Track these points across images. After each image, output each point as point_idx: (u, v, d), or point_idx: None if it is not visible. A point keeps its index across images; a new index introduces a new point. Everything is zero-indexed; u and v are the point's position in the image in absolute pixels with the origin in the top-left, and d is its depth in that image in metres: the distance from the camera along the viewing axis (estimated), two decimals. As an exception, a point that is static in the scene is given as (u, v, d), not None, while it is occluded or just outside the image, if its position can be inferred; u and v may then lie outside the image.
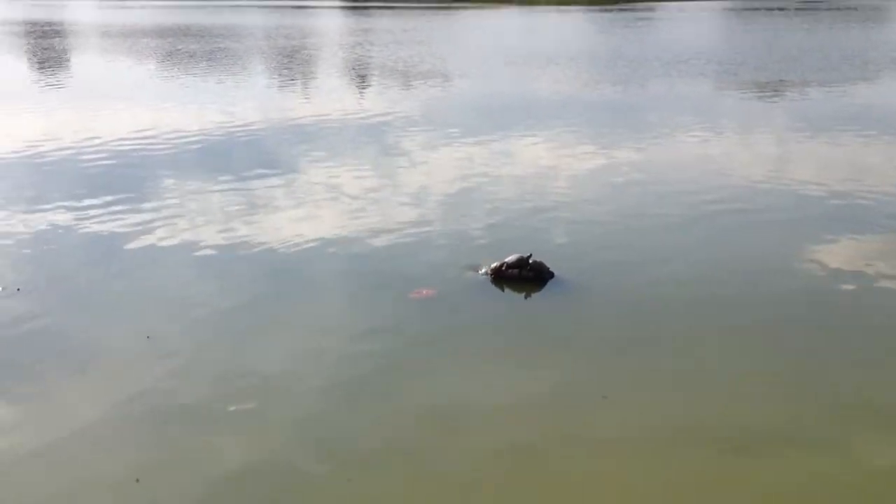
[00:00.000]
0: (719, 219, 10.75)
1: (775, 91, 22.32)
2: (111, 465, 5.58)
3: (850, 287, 8.57)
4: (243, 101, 20.80)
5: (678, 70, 25.85)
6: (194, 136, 16.17)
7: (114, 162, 14.08)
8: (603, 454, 5.76)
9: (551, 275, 8.66)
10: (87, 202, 11.37)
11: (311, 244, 9.70)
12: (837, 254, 9.47)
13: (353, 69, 27.90)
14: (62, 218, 10.72)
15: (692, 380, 6.76)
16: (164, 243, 9.76)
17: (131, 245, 9.69)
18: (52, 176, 13.15)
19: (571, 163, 13.86)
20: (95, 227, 10.32)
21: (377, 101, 21.13)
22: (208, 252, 9.51)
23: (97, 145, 15.26)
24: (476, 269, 8.82)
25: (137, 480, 5.35)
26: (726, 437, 5.98)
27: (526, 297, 8.43)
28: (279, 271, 9.00)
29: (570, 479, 5.48)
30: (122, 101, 20.93)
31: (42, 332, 7.45)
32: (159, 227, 10.35)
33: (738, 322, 7.79)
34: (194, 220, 10.72)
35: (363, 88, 23.91)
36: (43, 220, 10.64)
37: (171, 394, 6.40)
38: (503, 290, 8.50)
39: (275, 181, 12.62)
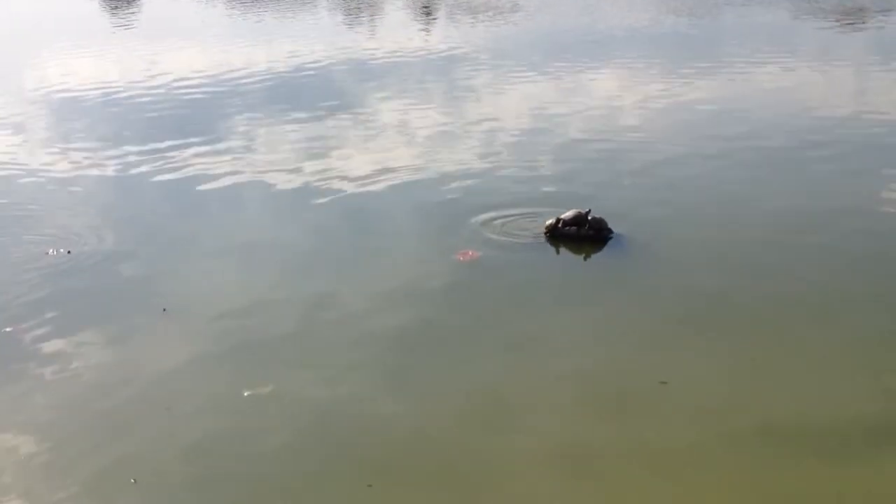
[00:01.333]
0: (798, 159, 9.96)
1: (855, 19, 21.31)
2: (188, 398, 5.61)
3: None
4: (308, 38, 20.27)
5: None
6: (262, 74, 15.86)
7: (184, 102, 13.98)
8: (664, 459, 4.90)
9: (611, 233, 7.83)
10: (158, 142, 11.28)
11: (376, 186, 9.40)
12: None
13: (416, 2, 27.56)
14: (134, 159, 10.63)
15: (770, 362, 5.82)
16: (233, 184, 9.66)
17: (202, 186, 9.62)
18: (124, 116, 13.08)
19: (641, 99, 13.11)
20: (168, 168, 10.24)
21: (442, 36, 20.45)
22: (276, 193, 9.41)
23: (167, 85, 15.12)
24: (536, 223, 7.98)
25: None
26: (815, 436, 5.04)
27: (585, 259, 7.66)
28: (342, 217, 8.72)
29: (624, 492, 4.70)
30: (191, 41, 20.85)
31: (120, 276, 7.39)
32: (229, 167, 10.26)
33: (824, 289, 6.84)
34: (264, 159, 10.63)
35: (427, 23, 23.51)
36: (116, 161, 10.57)
37: (239, 333, 6.39)
38: (558, 252, 7.73)
39: (343, 119, 12.38)
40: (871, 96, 13.48)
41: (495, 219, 8.28)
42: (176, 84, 15.26)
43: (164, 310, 6.71)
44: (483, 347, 6.17)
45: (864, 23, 20.73)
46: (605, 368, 5.86)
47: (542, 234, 7.92)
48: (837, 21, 20.92)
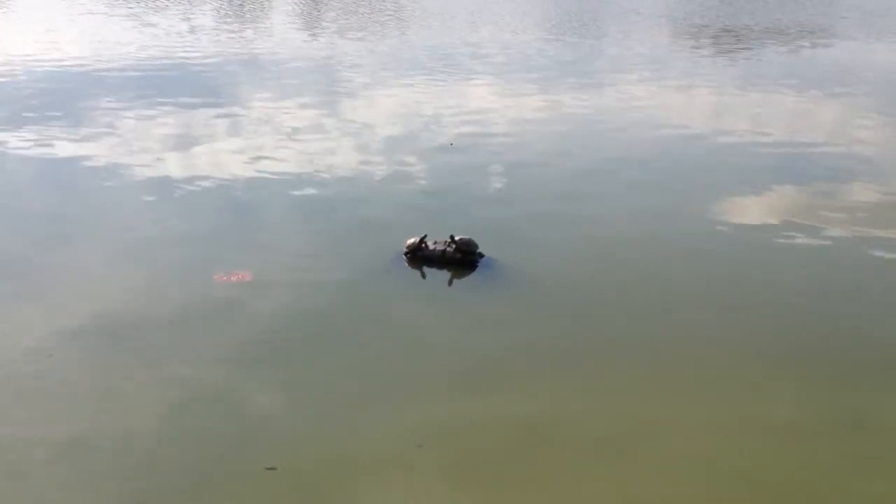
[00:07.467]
0: (654, 170, 9.79)
1: (722, 43, 21.78)
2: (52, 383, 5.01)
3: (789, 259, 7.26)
4: (191, 31, 19.52)
5: (632, 20, 25.64)
6: (139, 63, 15.19)
7: (55, 84, 13.45)
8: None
9: (481, 256, 6.75)
10: (24, 123, 10.83)
11: (232, 182, 8.90)
12: (776, 208, 8.57)
13: (307, 7, 27.29)
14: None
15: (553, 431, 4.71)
16: (96, 167, 9.24)
17: (66, 169, 9.19)
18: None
19: (516, 112, 12.62)
20: (32, 150, 9.78)
21: (326, 41, 19.62)
22: (138, 179, 8.82)
23: (40, 67, 14.52)
24: (399, 240, 6.94)
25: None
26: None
27: (449, 285, 6.57)
28: (192, 208, 8.05)
29: None
30: (71, 26, 19.88)
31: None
32: (93, 151, 9.84)
33: (678, 333, 5.93)
34: (131, 146, 10.13)
35: (313, 27, 23.15)
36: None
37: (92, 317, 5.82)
38: (423, 276, 6.60)
39: (215, 113, 11.87)
40: (727, 116, 13.56)
41: (351, 231, 7.35)
42: (49, 67, 14.58)
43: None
44: (289, 407, 4.93)
45: (731, 47, 21.50)
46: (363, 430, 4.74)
47: (403, 254, 6.74)
48: (706, 43, 21.65)
